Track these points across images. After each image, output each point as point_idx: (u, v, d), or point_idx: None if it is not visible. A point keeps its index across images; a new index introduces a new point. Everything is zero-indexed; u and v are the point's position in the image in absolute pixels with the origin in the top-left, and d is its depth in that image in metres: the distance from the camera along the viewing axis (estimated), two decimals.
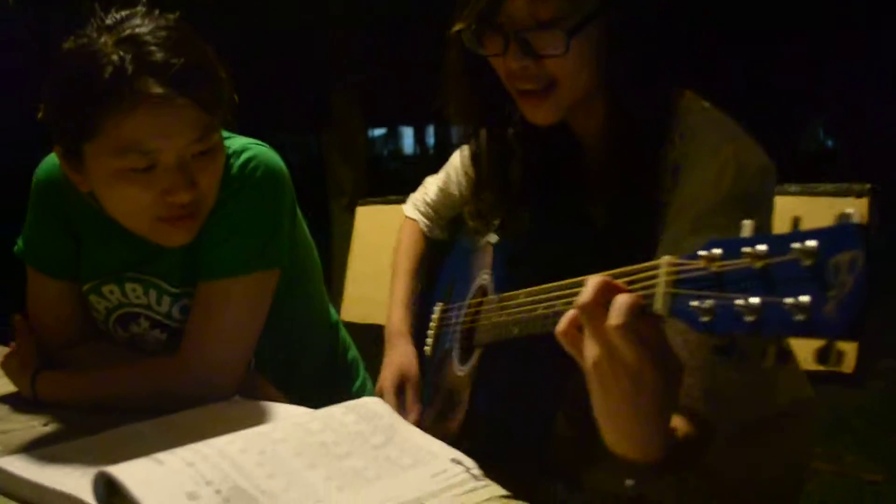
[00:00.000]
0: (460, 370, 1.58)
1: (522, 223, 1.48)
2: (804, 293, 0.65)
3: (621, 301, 0.87)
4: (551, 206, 1.46)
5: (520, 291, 1.32)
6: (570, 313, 0.92)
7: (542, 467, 1.40)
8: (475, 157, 1.52)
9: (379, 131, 24.79)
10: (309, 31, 6.16)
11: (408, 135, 26.77)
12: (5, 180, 5.66)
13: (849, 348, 1.36)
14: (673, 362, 0.91)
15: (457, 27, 1.33)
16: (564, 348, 0.94)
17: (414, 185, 1.96)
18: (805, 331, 0.64)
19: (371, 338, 1.84)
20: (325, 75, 5.96)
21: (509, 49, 1.28)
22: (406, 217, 1.92)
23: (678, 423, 1.07)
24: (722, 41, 10.07)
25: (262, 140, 1.59)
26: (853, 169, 10.82)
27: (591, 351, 0.90)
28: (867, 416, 4.15)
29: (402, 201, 1.98)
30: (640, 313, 0.86)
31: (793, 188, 1.64)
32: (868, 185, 1.53)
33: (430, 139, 24.08)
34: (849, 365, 1.42)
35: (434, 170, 1.90)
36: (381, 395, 1.70)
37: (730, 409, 1.15)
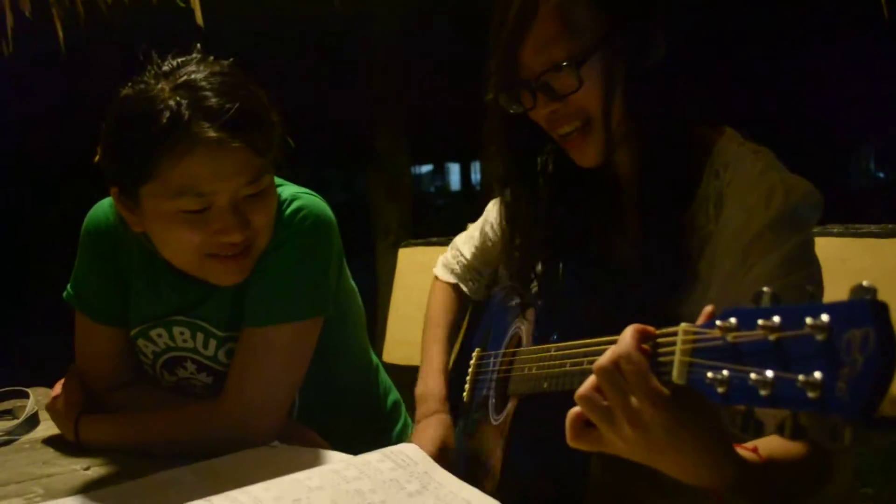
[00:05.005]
0: (495, 419, 1.59)
1: (557, 280, 1.48)
2: (817, 369, 0.65)
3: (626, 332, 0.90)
4: (585, 260, 1.46)
5: (550, 345, 1.33)
6: (591, 378, 0.94)
7: None
8: (512, 216, 1.53)
9: (426, 168, 24.94)
10: (357, 67, 6.22)
11: (455, 171, 26.85)
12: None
13: None
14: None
15: (490, 95, 1.38)
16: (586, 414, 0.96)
17: (460, 221, 1.96)
18: (818, 408, 0.64)
19: (413, 379, 1.85)
20: (371, 113, 6.00)
21: (537, 99, 1.32)
22: (437, 279, 1.94)
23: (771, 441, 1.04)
24: (757, 62, 9.51)
25: (310, 176, 1.62)
26: None
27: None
28: None
29: (445, 243, 1.98)
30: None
31: (836, 229, 1.62)
32: None
33: (476, 175, 24.16)
34: None
35: (482, 206, 1.89)
36: None
37: None
